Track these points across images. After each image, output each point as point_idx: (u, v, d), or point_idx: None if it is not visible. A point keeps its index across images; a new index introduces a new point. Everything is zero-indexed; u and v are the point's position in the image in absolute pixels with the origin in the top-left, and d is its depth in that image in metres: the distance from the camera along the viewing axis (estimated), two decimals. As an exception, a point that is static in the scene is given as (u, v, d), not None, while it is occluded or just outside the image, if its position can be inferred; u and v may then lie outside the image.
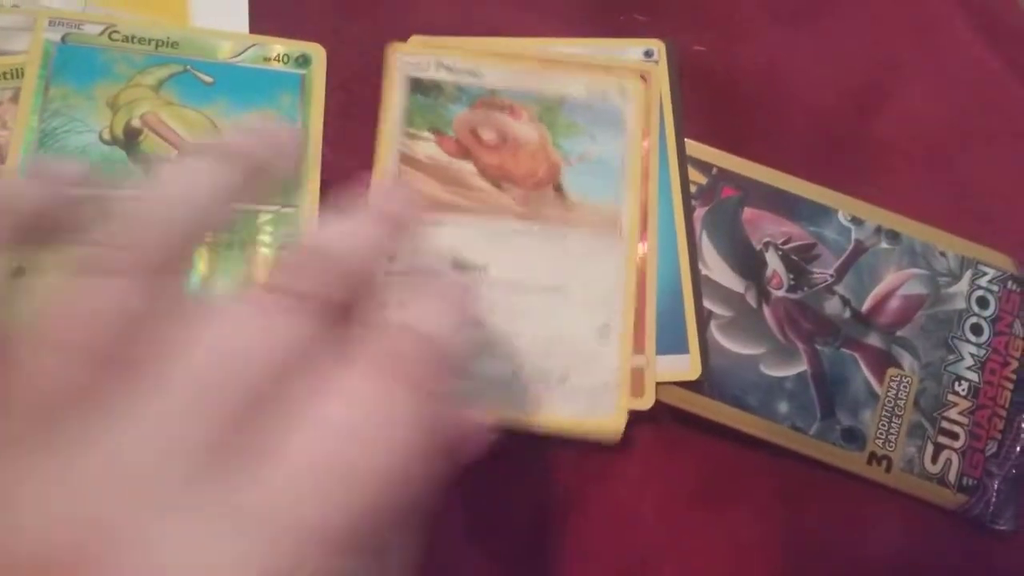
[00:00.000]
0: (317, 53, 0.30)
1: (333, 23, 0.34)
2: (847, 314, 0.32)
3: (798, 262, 0.32)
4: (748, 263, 0.32)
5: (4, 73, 0.29)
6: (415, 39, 0.33)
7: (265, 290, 0.17)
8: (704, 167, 0.33)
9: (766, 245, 0.32)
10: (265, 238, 0.28)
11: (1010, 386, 0.32)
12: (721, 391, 0.30)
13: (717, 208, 0.33)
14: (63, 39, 0.28)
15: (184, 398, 0.15)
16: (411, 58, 0.31)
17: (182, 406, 0.15)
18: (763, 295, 0.32)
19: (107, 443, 0.14)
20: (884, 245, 0.33)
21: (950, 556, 0.31)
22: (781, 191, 0.33)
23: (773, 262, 0.32)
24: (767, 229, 0.33)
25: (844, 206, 0.33)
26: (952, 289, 0.33)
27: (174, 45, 0.29)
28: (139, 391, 0.15)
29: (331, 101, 0.32)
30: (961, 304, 0.33)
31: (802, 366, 0.31)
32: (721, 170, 0.33)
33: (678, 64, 0.34)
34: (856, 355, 0.32)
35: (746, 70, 0.35)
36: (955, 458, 0.31)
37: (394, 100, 0.31)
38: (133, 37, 0.29)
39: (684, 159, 0.33)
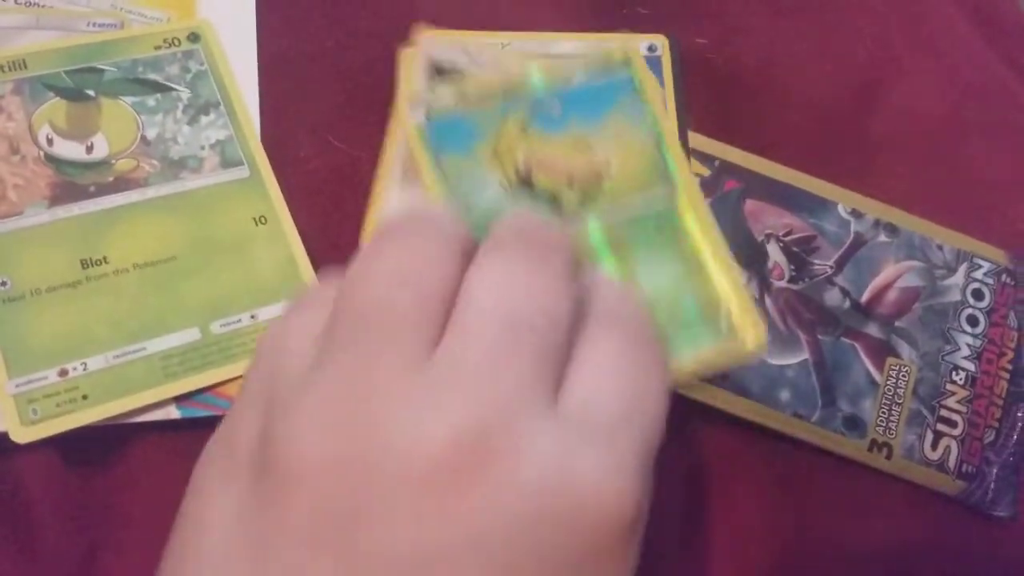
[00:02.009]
0: (634, 55, 0.31)
1: (337, 17, 0.34)
2: (847, 305, 0.33)
3: (799, 253, 0.33)
4: (750, 254, 0.33)
5: (3, 66, 0.30)
6: (422, 31, 0.34)
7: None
8: (707, 159, 0.33)
9: (767, 237, 0.33)
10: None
11: (1006, 376, 0.33)
12: (724, 379, 0.31)
13: (719, 200, 0.33)
14: (427, 116, 0.30)
15: (506, 340, 0.18)
16: (435, 44, 0.32)
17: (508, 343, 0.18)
18: (764, 286, 0.32)
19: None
20: (883, 238, 0.34)
21: (949, 542, 0.32)
22: (783, 183, 0.34)
23: (774, 254, 0.33)
24: (768, 221, 0.33)
25: (844, 199, 0.34)
26: (948, 281, 0.34)
27: (517, 90, 0.30)
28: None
29: (338, 95, 0.33)
30: (957, 296, 0.33)
31: (803, 355, 0.32)
32: (724, 163, 0.33)
33: (680, 58, 0.34)
34: (856, 344, 0.32)
35: (747, 63, 0.36)
36: (954, 445, 0.32)
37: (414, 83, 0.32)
38: (480, 95, 0.30)
39: (687, 152, 0.33)
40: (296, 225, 0.30)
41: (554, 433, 0.17)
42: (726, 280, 0.30)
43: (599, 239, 0.30)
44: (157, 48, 0.32)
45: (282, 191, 0.31)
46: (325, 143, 0.33)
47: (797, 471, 0.31)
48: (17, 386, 0.26)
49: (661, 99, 0.32)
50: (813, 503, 0.31)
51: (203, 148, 0.30)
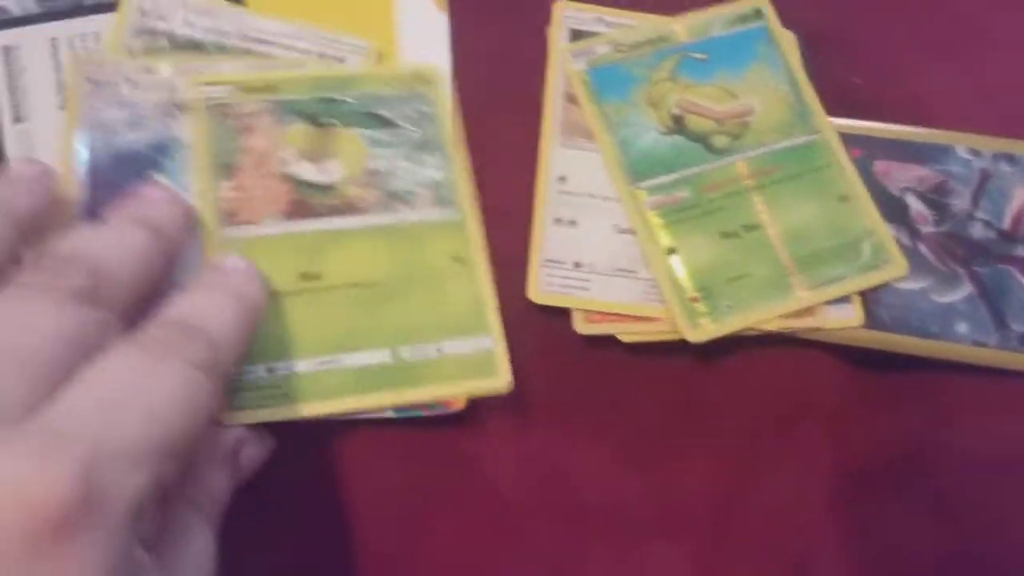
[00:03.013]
0: (766, 7, 0.37)
1: (525, 55, 0.37)
2: (992, 235, 0.35)
3: (936, 199, 0.36)
4: (893, 210, 0.35)
5: (260, 88, 0.33)
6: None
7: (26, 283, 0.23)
8: (830, 135, 0.36)
9: (903, 191, 0.36)
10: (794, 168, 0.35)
11: None
12: (904, 325, 0.33)
13: (852, 168, 0.36)
14: (587, 65, 0.36)
15: None
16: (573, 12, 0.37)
17: None
18: (915, 234, 0.35)
19: None
20: (1005, 168, 0.36)
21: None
22: (902, 141, 0.36)
23: (914, 204, 0.35)
24: (899, 176, 0.36)
25: (960, 141, 0.37)
26: (1075, 193, 0.36)
27: (665, 39, 0.36)
28: None
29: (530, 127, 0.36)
30: (1086, 204, 0.36)
31: (968, 288, 0.34)
32: (844, 135, 0.36)
33: (832, 95, 0.36)
34: (1011, 268, 0.35)
35: (900, 103, 0.38)
36: (1123, 340, 0.34)
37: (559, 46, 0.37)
38: (634, 44, 0.36)
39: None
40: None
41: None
42: (868, 212, 0.33)
43: (747, 177, 0.34)
44: (394, 88, 0.34)
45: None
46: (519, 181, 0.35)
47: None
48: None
49: (792, 49, 0.36)
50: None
51: (420, 185, 0.33)
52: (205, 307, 0.26)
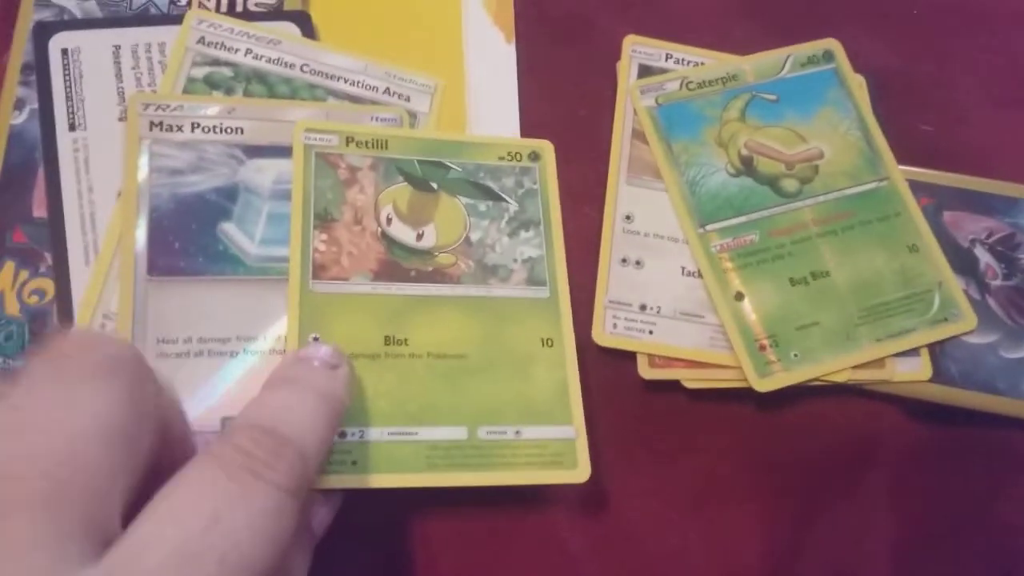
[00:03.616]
0: (837, 50, 0.37)
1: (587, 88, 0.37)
2: (1061, 291, 0.35)
3: (1004, 252, 0.35)
4: (961, 261, 0.35)
5: (368, 142, 0.32)
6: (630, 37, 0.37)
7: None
8: (899, 182, 0.36)
9: (972, 242, 0.35)
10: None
11: None
12: (972, 380, 0.33)
13: (921, 217, 0.35)
14: (656, 102, 0.35)
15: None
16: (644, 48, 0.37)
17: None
18: (983, 287, 0.34)
19: None
20: (1074, 222, 0.36)
21: None
22: (972, 191, 0.36)
23: (983, 256, 0.35)
24: (969, 227, 0.35)
25: (1029, 194, 0.36)
26: None
27: (735, 78, 0.36)
28: None
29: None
30: None
31: (1037, 345, 0.34)
32: (913, 182, 0.36)
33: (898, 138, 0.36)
34: (1080, 326, 0.34)
35: (969, 153, 0.37)
36: None
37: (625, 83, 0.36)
38: (703, 82, 0.36)
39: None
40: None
41: None
42: (938, 263, 0.33)
43: (816, 223, 0.34)
44: (500, 159, 0.34)
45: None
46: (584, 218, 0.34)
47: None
48: None
49: (863, 92, 0.35)
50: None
51: (515, 261, 0.32)
52: (292, 411, 0.23)
